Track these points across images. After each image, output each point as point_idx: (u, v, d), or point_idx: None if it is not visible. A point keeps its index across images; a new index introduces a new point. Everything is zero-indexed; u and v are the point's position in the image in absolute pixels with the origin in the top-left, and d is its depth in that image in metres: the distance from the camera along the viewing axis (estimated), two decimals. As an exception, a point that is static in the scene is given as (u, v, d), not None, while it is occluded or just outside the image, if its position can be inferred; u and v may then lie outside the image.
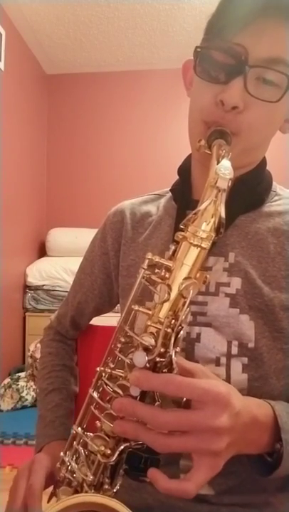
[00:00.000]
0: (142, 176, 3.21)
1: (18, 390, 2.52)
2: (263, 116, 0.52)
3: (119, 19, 2.83)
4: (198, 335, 0.56)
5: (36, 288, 2.98)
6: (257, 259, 0.57)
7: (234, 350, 0.54)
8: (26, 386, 2.55)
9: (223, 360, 0.54)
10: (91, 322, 0.81)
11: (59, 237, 3.21)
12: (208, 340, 0.55)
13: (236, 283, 0.56)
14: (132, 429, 0.41)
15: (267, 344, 0.54)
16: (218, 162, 0.46)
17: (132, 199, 0.74)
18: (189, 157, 0.66)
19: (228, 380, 0.53)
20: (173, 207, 0.66)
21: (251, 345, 0.54)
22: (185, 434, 0.39)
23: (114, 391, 0.44)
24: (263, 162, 0.62)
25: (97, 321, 0.82)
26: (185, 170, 0.66)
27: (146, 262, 0.45)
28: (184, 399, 0.41)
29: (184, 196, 0.64)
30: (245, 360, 0.54)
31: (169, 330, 0.41)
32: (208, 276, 0.43)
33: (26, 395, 2.52)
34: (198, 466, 0.40)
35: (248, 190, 0.60)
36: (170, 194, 0.68)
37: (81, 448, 0.47)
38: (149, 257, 0.45)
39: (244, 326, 0.54)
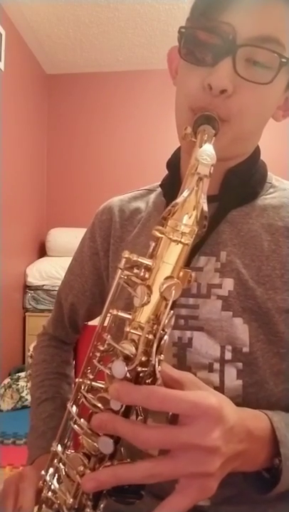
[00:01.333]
0: (142, 176, 3.19)
1: (18, 390, 2.52)
2: (254, 100, 0.48)
3: (119, 19, 2.83)
4: (190, 340, 0.53)
5: (36, 288, 2.98)
6: (250, 257, 0.53)
7: (228, 355, 0.51)
8: (26, 386, 2.54)
9: (217, 365, 0.51)
10: (94, 323, 0.80)
11: (59, 237, 3.21)
12: (201, 345, 0.52)
13: (228, 284, 0.52)
14: (109, 476, 0.36)
15: (262, 348, 0.51)
16: (200, 147, 0.42)
17: (121, 195, 0.70)
18: (178, 150, 0.62)
19: (221, 386, 0.51)
20: (162, 202, 0.62)
21: (246, 349, 0.51)
22: (172, 457, 0.35)
23: (94, 405, 0.40)
24: (257, 152, 0.58)
25: (95, 321, 0.80)
26: (174, 164, 0.62)
27: (124, 261, 0.41)
28: (170, 413, 0.37)
29: (173, 191, 0.59)
30: (240, 365, 0.51)
31: (151, 336, 0.37)
32: (192, 274, 0.39)
33: (26, 395, 2.51)
34: (185, 488, 0.36)
35: (241, 183, 0.56)
36: (160, 189, 0.65)
37: (62, 467, 0.44)
38: (126, 255, 0.40)
39: (238, 329, 0.51)
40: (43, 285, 2.97)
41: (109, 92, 3.47)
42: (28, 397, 2.51)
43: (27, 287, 3.01)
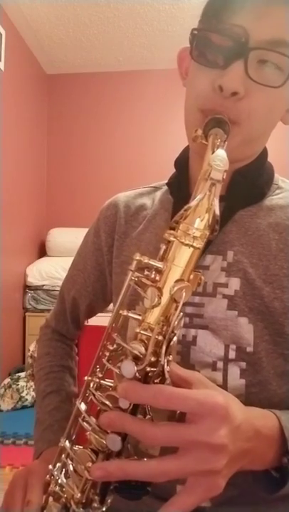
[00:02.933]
0: (142, 176, 3.20)
1: (18, 390, 2.52)
2: (264, 103, 0.48)
3: (119, 19, 2.83)
4: (195, 338, 0.53)
5: (36, 288, 2.98)
6: (258, 256, 0.53)
7: (232, 354, 0.51)
8: (26, 386, 2.55)
9: (220, 364, 0.51)
10: (94, 323, 0.80)
11: (59, 237, 3.21)
12: (205, 343, 0.52)
13: (235, 284, 0.52)
14: (117, 469, 0.36)
15: (266, 348, 0.51)
16: (213, 152, 0.43)
17: (127, 191, 0.70)
18: (187, 149, 0.62)
19: (224, 385, 0.51)
20: (169, 200, 0.62)
21: (250, 349, 0.51)
22: (179, 456, 0.36)
23: (103, 403, 0.41)
24: (264, 153, 0.58)
25: (96, 320, 0.81)
26: (182, 162, 0.62)
27: (135, 263, 0.41)
28: (178, 412, 0.37)
29: (181, 190, 0.60)
30: (244, 364, 0.51)
31: (160, 337, 0.38)
32: (202, 277, 0.40)
33: (26, 395, 2.52)
34: (192, 486, 0.36)
35: (248, 184, 0.56)
36: (166, 187, 0.65)
37: (69, 462, 0.44)
38: (137, 257, 0.41)
39: (242, 329, 0.51)
40: (43, 285, 2.97)
41: (109, 92, 3.47)
42: (28, 397, 2.52)
43: (27, 287, 3.01)
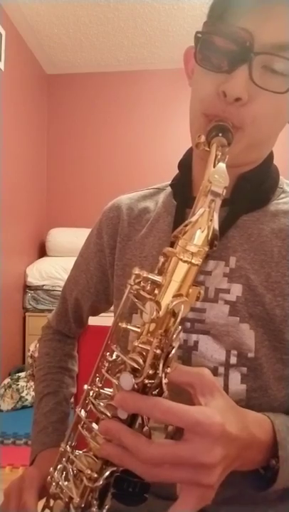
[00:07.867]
0: (142, 177, 3.21)
1: (18, 390, 2.52)
2: (269, 108, 0.47)
3: (119, 19, 2.82)
4: (196, 343, 0.52)
5: (36, 288, 2.98)
6: (260, 263, 0.53)
7: (233, 359, 0.51)
8: (26, 386, 2.55)
9: (221, 369, 0.51)
10: (95, 323, 0.80)
11: (59, 237, 3.21)
12: (206, 348, 0.52)
13: (237, 290, 0.52)
14: (117, 455, 0.38)
15: (266, 354, 0.51)
16: (214, 165, 0.42)
17: (130, 193, 0.70)
18: (191, 150, 0.61)
19: (225, 390, 0.50)
20: (172, 203, 0.62)
21: (251, 355, 0.51)
22: (174, 465, 0.36)
23: (101, 412, 0.41)
24: (270, 157, 0.57)
25: (97, 320, 0.81)
26: (186, 164, 0.61)
27: (133, 277, 0.41)
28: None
29: (184, 193, 0.60)
30: (245, 370, 0.51)
31: (158, 351, 0.38)
32: (202, 291, 0.40)
33: (26, 395, 2.52)
34: (186, 497, 0.37)
35: (253, 188, 0.55)
36: (170, 189, 0.64)
37: (69, 466, 0.45)
38: (136, 272, 0.41)
39: (244, 335, 0.51)
40: (43, 285, 2.97)
41: (109, 92, 3.47)
42: (28, 397, 2.52)
43: (27, 287, 3.01)
